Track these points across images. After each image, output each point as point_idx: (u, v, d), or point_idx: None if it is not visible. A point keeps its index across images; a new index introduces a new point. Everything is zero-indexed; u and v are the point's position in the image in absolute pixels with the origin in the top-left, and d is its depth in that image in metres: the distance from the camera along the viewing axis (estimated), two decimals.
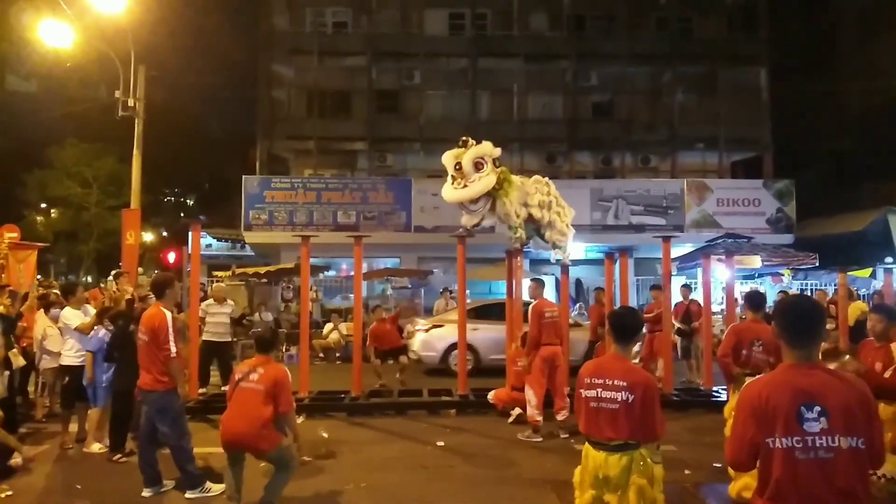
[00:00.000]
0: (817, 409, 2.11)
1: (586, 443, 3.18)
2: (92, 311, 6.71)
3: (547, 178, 8.13)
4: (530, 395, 6.92)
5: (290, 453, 4.50)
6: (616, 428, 3.00)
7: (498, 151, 7.47)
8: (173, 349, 4.90)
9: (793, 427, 2.11)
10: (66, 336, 6.49)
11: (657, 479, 3.07)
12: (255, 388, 4.32)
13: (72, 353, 6.38)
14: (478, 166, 7.26)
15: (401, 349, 10.33)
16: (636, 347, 10.34)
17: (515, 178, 7.74)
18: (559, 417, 6.98)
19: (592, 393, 3.07)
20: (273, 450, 4.33)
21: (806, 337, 2.24)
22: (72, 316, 6.43)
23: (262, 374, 4.37)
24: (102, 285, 18.21)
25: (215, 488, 4.95)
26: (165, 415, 4.93)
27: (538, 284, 7.74)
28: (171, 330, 4.92)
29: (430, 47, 22.05)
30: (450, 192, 7.46)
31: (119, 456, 5.93)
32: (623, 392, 2.99)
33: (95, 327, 6.32)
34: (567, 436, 6.70)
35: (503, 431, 7.10)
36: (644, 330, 10.93)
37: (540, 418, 6.86)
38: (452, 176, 7.40)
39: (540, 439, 6.74)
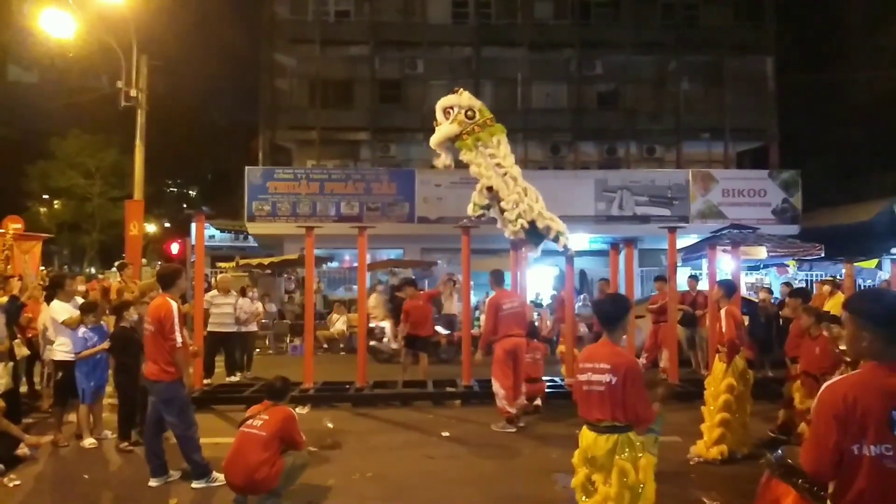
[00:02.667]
0: None
1: (584, 425, 3.33)
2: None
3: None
4: (497, 388, 6.89)
5: (298, 468, 4.55)
6: (602, 409, 3.16)
7: (472, 102, 7.58)
8: (179, 339, 4.90)
9: (883, 434, 1.95)
10: (56, 331, 6.28)
11: (644, 467, 3.16)
12: (256, 433, 4.36)
13: (63, 349, 6.21)
14: (446, 114, 7.57)
15: (429, 340, 9.50)
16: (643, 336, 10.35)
17: (491, 146, 7.68)
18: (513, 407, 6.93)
19: (584, 377, 3.26)
20: (278, 482, 4.36)
21: None
22: (60, 309, 6.22)
23: (265, 421, 4.41)
24: (101, 276, 18.27)
25: (221, 478, 4.95)
26: (172, 405, 4.94)
27: (496, 276, 7.48)
28: (176, 320, 4.91)
29: (433, 36, 21.89)
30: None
31: (126, 444, 5.96)
32: (607, 374, 3.15)
33: (82, 325, 6.17)
34: (522, 425, 6.81)
35: None
36: (632, 317, 10.93)
37: (511, 409, 6.86)
38: (435, 124, 7.76)
39: (514, 430, 6.75)
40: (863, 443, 1.98)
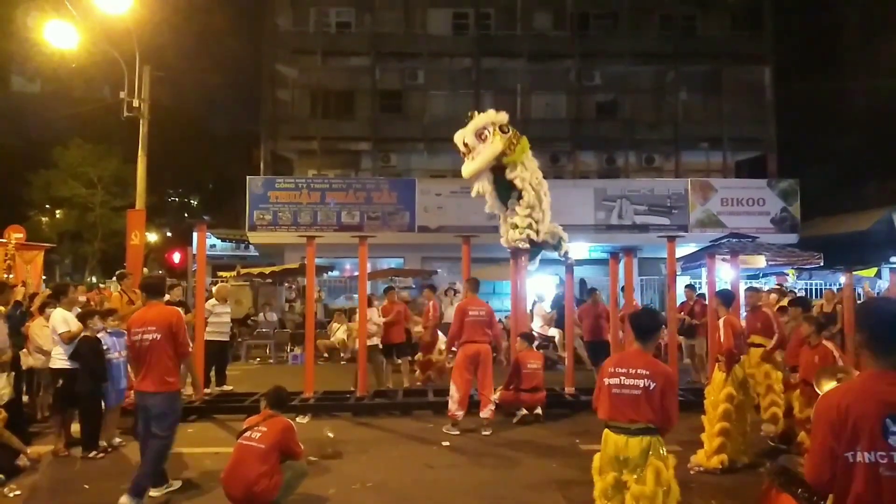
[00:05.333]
0: None
1: (605, 429, 3.45)
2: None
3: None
4: (452, 391, 7.01)
5: (297, 478, 4.55)
6: (638, 411, 3.31)
7: (502, 117, 7.47)
8: (191, 345, 4.94)
9: (877, 441, 1.97)
10: (55, 339, 6.21)
11: (671, 465, 3.37)
12: (254, 446, 4.35)
13: (62, 357, 6.13)
14: (482, 136, 7.36)
15: (403, 346, 9.75)
16: None
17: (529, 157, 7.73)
18: (483, 414, 7.04)
19: (615, 381, 3.39)
20: (277, 494, 4.36)
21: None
22: (59, 321, 6.16)
23: (264, 433, 4.41)
24: (103, 286, 18.31)
25: (177, 484, 5.14)
26: (166, 419, 4.82)
27: (471, 284, 7.59)
28: (185, 326, 4.97)
29: (433, 47, 22.07)
30: (464, 169, 7.61)
31: (96, 453, 5.99)
32: (645, 380, 3.33)
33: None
34: (489, 433, 6.88)
35: (508, 432, 7.10)
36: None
37: (460, 413, 6.97)
38: (463, 154, 7.55)
39: (458, 433, 6.87)
40: (856, 450, 1.99)
